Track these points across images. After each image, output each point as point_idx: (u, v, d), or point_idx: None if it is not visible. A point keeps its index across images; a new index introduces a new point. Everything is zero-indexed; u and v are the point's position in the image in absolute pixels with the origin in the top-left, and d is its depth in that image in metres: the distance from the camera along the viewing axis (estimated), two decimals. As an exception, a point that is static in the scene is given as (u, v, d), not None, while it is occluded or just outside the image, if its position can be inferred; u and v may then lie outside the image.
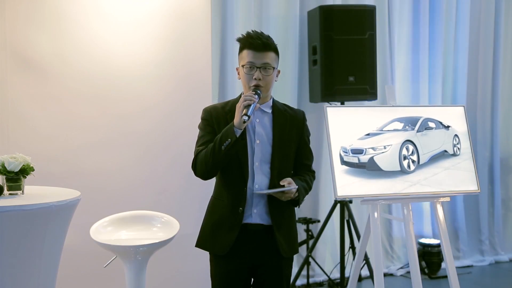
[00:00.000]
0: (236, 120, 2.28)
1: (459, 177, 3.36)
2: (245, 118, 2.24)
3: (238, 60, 2.47)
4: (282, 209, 2.44)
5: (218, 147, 2.30)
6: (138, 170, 3.69)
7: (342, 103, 4.37)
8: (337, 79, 4.33)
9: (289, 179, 2.36)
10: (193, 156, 2.47)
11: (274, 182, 2.40)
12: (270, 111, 2.46)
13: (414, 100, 5.25)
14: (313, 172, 2.60)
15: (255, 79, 2.34)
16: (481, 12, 5.46)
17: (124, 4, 3.66)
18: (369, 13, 4.44)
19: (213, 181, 3.97)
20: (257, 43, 2.34)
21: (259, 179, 2.40)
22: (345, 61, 4.35)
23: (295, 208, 2.54)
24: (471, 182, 3.54)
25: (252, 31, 2.41)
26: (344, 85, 4.34)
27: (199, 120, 3.83)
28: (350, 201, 4.46)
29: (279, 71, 2.46)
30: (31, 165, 2.64)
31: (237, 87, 4.47)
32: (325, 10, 4.37)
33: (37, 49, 3.49)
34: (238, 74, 2.45)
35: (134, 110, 3.69)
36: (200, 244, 2.53)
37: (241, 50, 2.41)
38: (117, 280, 3.43)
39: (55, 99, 3.53)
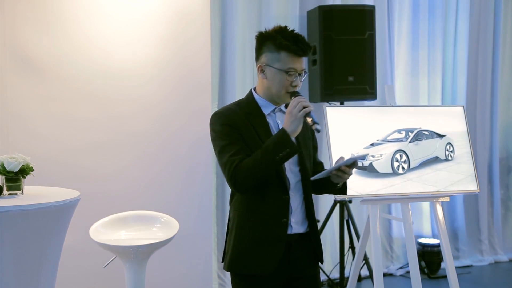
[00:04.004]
0: (290, 128, 2.06)
1: (453, 177, 3.59)
2: (318, 127, 2.05)
3: (265, 56, 2.17)
4: (313, 212, 2.28)
5: (272, 157, 2.05)
6: (137, 170, 3.69)
7: (342, 103, 4.38)
8: (337, 79, 4.33)
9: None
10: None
11: (306, 183, 2.22)
12: None
13: (413, 100, 5.25)
14: None
15: (295, 86, 2.15)
16: (480, 12, 5.47)
17: (124, 4, 3.66)
18: (368, 13, 4.45)
19: (209, 181, 4.01)
20: (305, 49, 2.12)
21: (292, 182, 2.20)
22: (345, 61, 4.35)
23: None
24: (470, 182, 3.57)
25: (290, 30, 2.15)
26: (343, 85, 4.34)
27: (198, 120, 3.86)
28: (350, 201, 4.46)
29: None
30: (30, 165, 2.64)
31: (236, 87, 4.47)
32: (324, 10, 4.37)
33: (36, 49, 3.49)
34: (262, 72, 2.18)
35: (133, 110, 3.69)
36: (236, 266, 2.20)
37: (277, 49, 2.13)
38: (117, 280, 3.43)
39: (55, 99, 3.53)
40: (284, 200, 2.17)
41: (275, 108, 2.23)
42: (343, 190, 2.31)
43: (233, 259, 2.21)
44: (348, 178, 2.20)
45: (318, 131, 2.05)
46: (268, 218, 2.16)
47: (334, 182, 2.21)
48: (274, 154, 2.05)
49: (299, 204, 2.22)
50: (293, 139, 2.07)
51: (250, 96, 2.25)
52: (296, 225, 2.21)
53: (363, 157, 2.18)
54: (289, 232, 2.18)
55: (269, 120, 2.22)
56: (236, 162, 2.10)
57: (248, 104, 2.22)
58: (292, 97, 2.12)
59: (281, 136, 2.06)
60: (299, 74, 2.15)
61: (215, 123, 2.20)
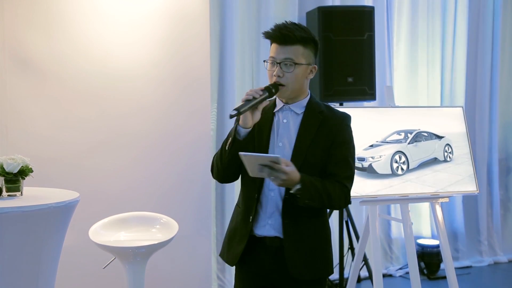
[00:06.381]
0: (240, 119, 2.05)
1: (452, 178, 3.62)
2: (232, 112, 1.97)
3: None
4: (301, 221, 2.13)
5: (224, 147, 2.08)
6: (137, 171, 3.69)
7: (341, 104, 4.38)
8: (336, 80, 4.33)
9: (288, 162, 2.01)
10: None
11: (289, 190, 2.08)
12: (301, 111, 2.18)
13: (412, 101, 5.25)
14: (343, 185, 2.14)
15: (274, 75, 2.09)
16: (479, 13, 5.47)
17: (123, 4, 3.66)
18: (367, 14, 4.44)
19: (209, 182, 4.00)
20: (276, 36, 2.08)
21: (274, 185, 2.08)
22: (344, 62, 4.35)
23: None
24: (469, 182, 3.58)
25: (284, 22, 2.13)
26: (343, 86, 4.34)
27: (198, 120, 3.87)
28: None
29: (314, 67, 2.17)
30: (29, 167, 2.64)
31: (236, 87, 4.48)
32: (323, 11, 4.37)
33: (36, 50, 3.49)
34: None
35: (133, 111, 3.68)
36: (220, 253, 2.32)
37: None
38: (116, 281, 3.43)
39: (54, 100, 3.53)
40: (254, 198, 2.14)
41: (283, 106, 2.19)
42: (295, 198, 2.05)
43: (222, 245, 2.32)
44: (277, 182, 1.98)
45: (230, 116, 1.97)
46: (241, 213, 2.20)
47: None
48: (224, 144, 2.10)
49: (278, 207, 2.13)
50: (241, 130, 2.04)
51: None
52: (272, 228, 2.14)
53: (268, 158, 1.94)
54: (262, 233, 2.14)
55: (276, 117, 2.19)
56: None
57: (269, 100, 2.20)
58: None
59: (233, 127, 2.09)
60: (279, 63, 2.08)
61: None
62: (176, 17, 3.77)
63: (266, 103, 2.10)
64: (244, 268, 2.22)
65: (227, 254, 2.25)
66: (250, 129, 2.06)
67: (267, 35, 2.12)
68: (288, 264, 2.12)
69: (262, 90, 2.05)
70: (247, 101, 2.01)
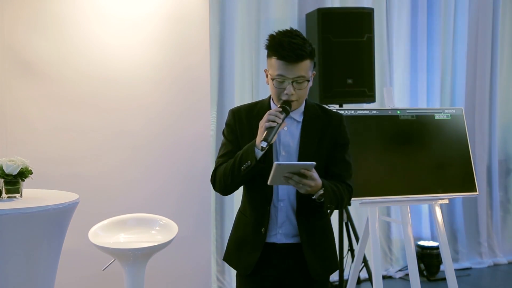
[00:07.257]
0: (258, 140, 1.99)
1: (452, 179, 3.60)
2: (264, 144, 1.95)
3: (267, 61, 2.11)
4: (312, 225, 2.18)
5: (238, 167, 2.04)
6: (137, 173, 3.69)
7: (341, 106, 4.38)
8: (336, 82, 4.33)
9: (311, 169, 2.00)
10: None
11: (301, 199, 2.13)
12: (301, 118, 2.17)
13: (412, 103, 5.25)
14: (347, 185, 2.19)
15: (287, 94, 2.04)
16: (479, 15, 5.48)
17: (123, 6, 3.66)
18: (367, 15, 4.45)
19: (208, 184, 3.99)
20: (289, 56, 1.99)
21: (284, 195, 2.15)
22: (344, 63, 4.35)
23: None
24: (469, 184, 3.57)
25: (283, 35, 2.04)
26: (342, 87, 4.33)
27: (198, 123, 3.87)
28: (349, 204, 4.45)
29: (313, 73, 2.12)
30: (29, 168, 2.64)
31: (235, 89, 4.47)
32: (323, 13, 4.38)
33: (36, 51, 3.49)
34: (267, 77, 2.12)
35: (133, 113, 3.68)
36: (227, 259, 2.32)
37: (269, 55, 2.07)
38: (116, 283, 3.42)
39: (54, 102, 3.52)
40: (265, 210, 2.15)
41: None
42: (320, 204, 2.09)
43: (226, 252, 2.33)
44: (304, 189, 1.99)
45: (262, 148, 1.96)
46: (250, 223, 2.20)
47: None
48: (240, 165, 2.04)
49: (289, 216, 2.17)
50: (258, 152, 2.00)
51: (268, 98, 2.22)
52: (285, 236, 2.18)
53: (303, 166, 1.95)
54: (274, 241, 2.17)
55: None
56: (218, 163, 2.17)
57: (261, 106, 2.19)
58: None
59: (247, 147, 2.04)
60: (293, 82, 2.03)
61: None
62: (176, 18, 3.77)
63: (284, 123, 2.07)
64: (256, 273, 2.20)
65: (236, 261, 2.27)
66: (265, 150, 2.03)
67: (276, 52, 2.02)
68: (310, 269, 2.17)
69: (280, 112, 2.01)
70: (270, 128, 1.98)
